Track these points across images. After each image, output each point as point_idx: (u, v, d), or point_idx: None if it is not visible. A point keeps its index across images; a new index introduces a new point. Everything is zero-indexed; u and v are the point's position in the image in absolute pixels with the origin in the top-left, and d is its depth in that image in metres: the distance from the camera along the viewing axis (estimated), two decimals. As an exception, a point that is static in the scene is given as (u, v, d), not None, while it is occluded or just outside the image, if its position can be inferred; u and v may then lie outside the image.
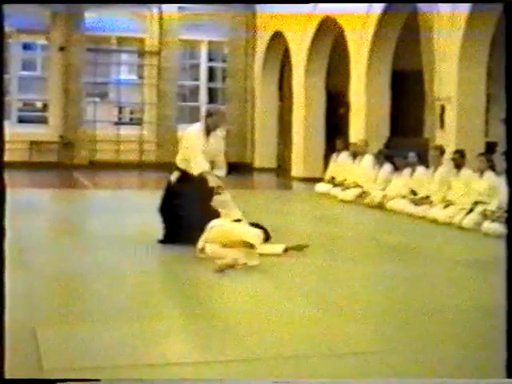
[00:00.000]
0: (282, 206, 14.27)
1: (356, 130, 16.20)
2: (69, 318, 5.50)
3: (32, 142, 20.14)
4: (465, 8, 12.71)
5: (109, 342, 4.86)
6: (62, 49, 20.50)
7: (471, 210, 10.67)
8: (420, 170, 12.43)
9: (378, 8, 15.33)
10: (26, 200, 12.57)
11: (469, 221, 10.56)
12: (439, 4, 13.37)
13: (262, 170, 20.85)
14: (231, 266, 7.08)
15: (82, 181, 17.64)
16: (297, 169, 18.93)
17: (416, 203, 12.00)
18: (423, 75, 14.84)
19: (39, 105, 23.13)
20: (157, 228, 9.45)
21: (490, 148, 13.63)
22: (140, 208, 12.31)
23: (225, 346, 4.95)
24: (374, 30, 15.59)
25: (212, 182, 8.26)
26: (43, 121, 21.22)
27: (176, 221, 8.64)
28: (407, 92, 16.61)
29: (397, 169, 13.28)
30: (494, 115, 15.25)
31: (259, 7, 21.12)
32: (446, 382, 4.31)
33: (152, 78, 21.46)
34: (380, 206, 12.92)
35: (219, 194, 8.07)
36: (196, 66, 22.53)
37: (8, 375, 3.66)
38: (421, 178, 12.29)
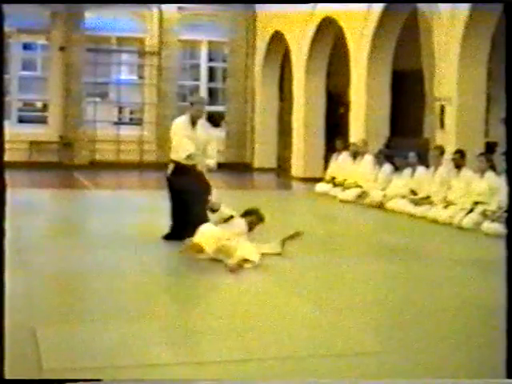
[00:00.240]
0: (282, 206, 14.26)
1: (356, 130, 16.19)
2: (69, 318, 5.50)
3: (32, 142, 20.12)
4: (465, 8, 12.71)
5: (109, 342, 4.86)
6: (62, 49, 20.49)
7: (471, 210, 10.68)
8: (420, 170, 12.43)
9: (378, 8, 15.33)
10: (26, 200, 12.56)
11: (469, 221, 10.56)
12: (439, 4, 13.37)
13: (262, 169, 20.84)
14: (241, 266, 7.21)
15: (81, 181, 17.63)
16: (297, 169, 18.93)
17: (416, 203, 12.00)
18: (423, 75, 14.85)
19: (39, 105, 23.12)
20: (157, 227, 9.47)
21: (490, 148, 13.63)
22: (140, 208, 12.32)
23: (225, 346, 4.95)
24: (374, 30, 15.59)
25: (199, 168, 8.74)
26: (43, 121, 21.20)
27: (178, 212, 8.80)
28: (407, 92, 16.61)
29: (397, 169, 13.28)
30: (493, 115, 15.24)
31: (259, 7, 21.11)
32: (446, 382, 4.31)
33: (152, 78, 21.45)
34: (380, 206, 12.93)
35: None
36: (196, 66, 22.51)
37: (8, 375, 3.66)
38: (421, 178, 12.29)
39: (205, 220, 8.08)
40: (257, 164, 21.40)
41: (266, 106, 21.43)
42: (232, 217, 8.02)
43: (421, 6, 14.02)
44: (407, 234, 10.60)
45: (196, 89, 21.98)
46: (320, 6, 16.95)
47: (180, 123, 8.97)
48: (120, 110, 23.49)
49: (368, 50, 15.82)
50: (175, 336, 5.21)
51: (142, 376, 4.27)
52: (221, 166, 22.06)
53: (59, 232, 10.28)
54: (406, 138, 15.46)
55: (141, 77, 22.42)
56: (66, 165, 19.99)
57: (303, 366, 4.53)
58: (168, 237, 8.83)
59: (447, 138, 13.20)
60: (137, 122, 22.58)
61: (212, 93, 22.87)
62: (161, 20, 21.02)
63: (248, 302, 6.19)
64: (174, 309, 5.96)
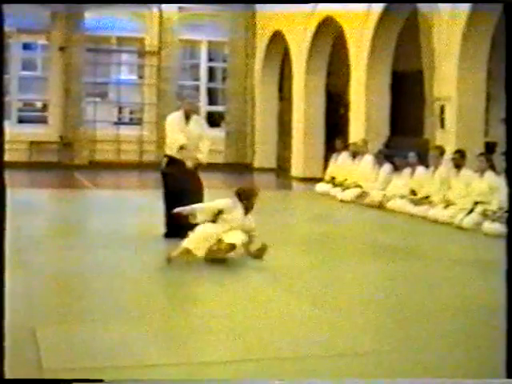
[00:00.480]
0: (281, 206, 14.27)
1: (356, 130, 16.19)
2: (69, 318, 5.50)
3: (32, 142, 20.12)
4: (465, 8, 12.71)
5: (109, 342, 4.85)
6: (62, 49, 20.49)
7: (471, 210, 10.67)
8: (420, 170, 12.43)
9: (378, 8, 15.33)
10: (26, 200, 12.56)
11: (469, 221, 10.56)
12: (439, 4, 13.37)
13: (262, 170, 20.84)
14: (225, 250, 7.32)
15: (81, 181, 17.63)
16: (297, 169, 18.93)
17: (416, 203, 12.00)
18: (423, 75, 14.85)
19: (39, 105, 23.11)
20: (157, 227, 9.47)
21: (490, 148, 13.63)
22: (140, 208, 12.32)
23: (225, 346, 4.95)
24: (374, 29, 15.59)
25: (189, 163, 8.98)
26: (43, 121, 21.20)
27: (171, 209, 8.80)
28: (407, 92, 16.60)
29: (397, 169, 13.28)
30: (493, 115, 15.24)
31: (259, 7, 21.10)
32: (446, 382, 4.31)
33: (152, 77, 21.45)
34: (380, 206, 12.93)
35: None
36: (196, 66, 22.51)
37: (8, 375, 3.66)
38: (421, 178, 12.29)
39: (187, 199, 8.34)
40: (257, 164, 21.40)
41: (266, 106, 21.43)
42: (220, 212, 7.68)
43: (421, 6, 14.02)
44: (407, 234, 10.61)
45: (196, 89, 21.98)
46: (320, 5, 16.94)
47: (173, 118, 9.24)
48: (120, 110, 23.50)
49: (368, 50, 15.82)
50: (174, 336, 5.20)
51: (142, 376, 4.27)
52: (221, 166, 22.13)
53: (59, 232, 10.28)
54: (406, 138, 15.45)
55: (141, 77, 22.42)
56: (65, 165, 19.98)
57: (303, 366, 4.53)
58: (167, 235, 8.89)
59: (447, 138, 13.20)
60: (137, 122, 22.58)
61: (212, 93, 22.87)
62: (161, 20, 21.02)
63: (248, 302, 6.19)
64: (173, 309, 5.96)
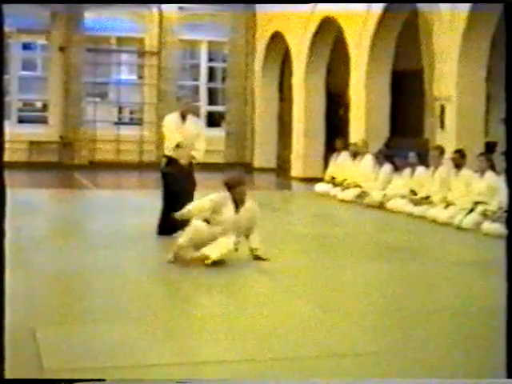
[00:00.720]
0: (281, 206, 14.27)
1: (356, 130, 16.19)
2: (69, 318, 5.50)
3: (32, 142, 20.13)
4: (465, 8, 12.71)
5: (109, 342, 4.85)
6: (61, 49, 20.50)
7: (471, 210, 10.67)
8: (420, 170, 12.43)
9: (378, 8, 15.33)
10: (26, 200, 12.56)
11: (469, 221, 10.55)
12: (439, 4, 13.37)
13: (262, 170, 20.84)
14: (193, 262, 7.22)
15: (81, 181, 17.63)
16: (297, 169, 18.93)
17: (416, 203, 12.00)
18: (423, 75, 14.85)
19: (39, 105, 23.11)
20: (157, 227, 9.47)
21: (490, 148, 13.63)
22: (140, 208, 12.31)
23: (225, 346, 4.95)
24: (374, 29, 15.59)
25: (183, 161, 9.18)
26: (43, 121, 21.20)
27: (169, 206, 9.05)
28: (407, 92, 16.60)
29: (397, 169, 13.28)
30: (493, 115, 15.24)
31: (259, 7, 21.11)
32: (446, 382, 4.31)
33: (152, 78, 21.46)
34: (380, 206, 12.93)
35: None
36: (196, 66, 22.51)
37: (8, 375, 3.66)
38: (421, 178, 12.28)
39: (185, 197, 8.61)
40: (257, 164, 21.40)
41: (266, 106, 21.43)
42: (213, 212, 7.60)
43: (421, 5, 14.02)
44: (407, 234, 10.60)
45: (196, 89, 21.99)
46: (320, 6, 16.95)
47: (170, 118, 9.46)
48: (120, 110, 23.49)
49: (368, 49, 15.82)
50: (175, 336, 5.20)
51: (143, 376, 4.27)
52: (221, 166, 22.17)
53: (59, 232, 10.28)
54: (406, 138, 15.45)
55: (141, 77, 22.42)
56: (66, 165, 19.99)
57: (303, 366, 4.53)
58: (161, 232, 9.13)
59: (447, 138, 13.20)
60: (137, 122, 22.58)
61: (212, 93, 22.86)
62: (161, 20, 21.02)
63: (247, 302, 6.19)
64: (174, 309, 5.96)
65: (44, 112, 21.72)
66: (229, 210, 7.54)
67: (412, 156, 12.70)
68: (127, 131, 21.45)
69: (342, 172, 14.81)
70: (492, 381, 4.18)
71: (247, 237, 7.66)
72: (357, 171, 14.27)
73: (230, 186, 7.61)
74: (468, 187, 10.97)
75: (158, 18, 21.00)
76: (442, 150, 12.21)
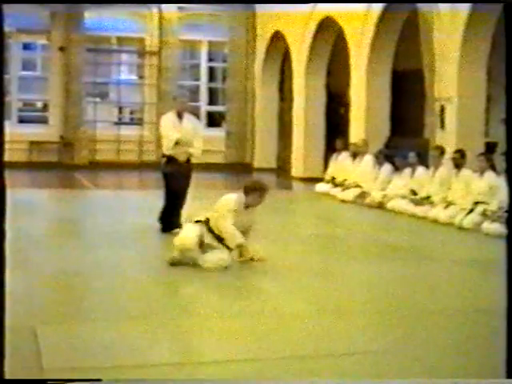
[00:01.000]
0: (282, 206, 14.26)
1: (356, 130, 16.19)
2: (69, 318, 5.50)
3: (32, 142, 20.13)
4: (465, 8, 12.70)
5: (109, 342, 4.85)
6: (61, 49, 20.49)
7: (471, 210, 10.67)
8: (420, 170, 12.43)
9: (378, 8, 15.33)
10: (26, 200, 12.56)
11: (469, 221, 10.55)
12: (439, 4, 13.37)
13: (262, 170, 20.83)
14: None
15: (81, 181, 17.63)
16: (297, 169, 18.93)
17: (416, 203, 12.00)
18: (423, 75, 14.84)
19: (39, 105, 23.12)
20: (157, 227, 9.48)
21: (490, 148, 13.63)
22: (140, 207, 12.31)
23: (225, 346, 4.95)
24: (374, 29, 15.59)
25: (181, 158, 9.30)
26: (43, 121, 21.20)
27: (173, 200, 9.35)
28: (407, 92, 16.60)
29: (397, 169, 13.27)
30: (493, 115, 15.24)
31: (259, 7, 21.10)
32: (446, 382, 4.31)
33: (152, 77, 21.45)
34: (380, 206, 12.93)
35: None
36: (196, 66, 22.51)
37: (8, 375, 3.66)
38: (421, 178, 12.28)
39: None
40: (257, 164, 21.40)
41: (266, 106, 21.43)
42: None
43: (421, 5, 14.01)
44: (407, 234, 10.60)
45: (196, 89, 21.99)
46: (320, 6, 16.95)
47: (167, 117, 9.57)
48: (120, 110, 23.50)
49: (368, 49, 15.82)
50: (175, 336, 5.20)
51: (142, 376, 4.27)
52: (221, 166, 22.09)
53: (59, 232, 10.29)
54: (406, 138, 15.45)
55: (141, 77, 22.41)
56: (66, 165, 19.98)
57: (303, 366, 4.53)
58: (164, 229, 9.30)
59: (447, 138, 13.20)
60: (137, 122, 22.58)
61: (212, 93, 22.86)
62: (161, 20, 21.02)
63: (248, 302, 6.19)
64: (174, 308, 5.96)
65: (44, 112, 21.72)
66: (240, 213, 7.47)
67: (412, 156, 12.70)
68: (127, 131, 21.45)
69: (342, 172, 14.80)
70: (492, 381, 4.18)
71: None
72: (357, 171, 14.27)
73: (250, 191, 7.50)
74: (468, 187, 10.97)
75: (158, 17, 20.99)
76: (442, 150, 12.22)
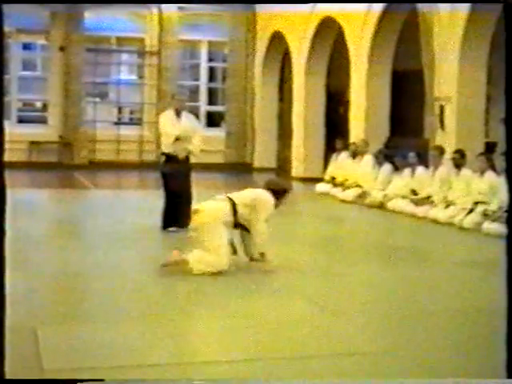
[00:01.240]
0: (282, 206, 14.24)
1: (356, 130, 16.19)
2: (69, 318, 5.50)
3: (32, 142, 20.12)
4: (465, 8, 12.70)
5: (109, 342, 4.85)
6: (61, 49, 20.49)
7: (472, 210, 10.67)
8: (420, 170, 12.43)
9: (378, 8, 15.33)
10: (26, 200, 12.56)
11: (469, 221, 10.55)
12: (439, 4, 13.37)
13: (262, 169, 20.82)
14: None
15: (81, 181, 17.63)
16: (297, 169, 18.93)
17: (416, 203, 12.00)
18: (423, 75, 14.84)
19: (39, 105, 23.12)
20: (157, 227, 9.48)
21: (490, 148, 13.63)
22: (140, 207, 12.32)
23: (225, 346, 4.95)
24: (374, 29, 15.59)
25: (181, 154, 9.38)
26: (43, 121, 21.20)
27: (172, 200, 9.43)
28: (407, 92, 16.60)
29: (397, 169, 13.28)
30: (493, 115, 15.24)
31: (259, 7, 21.10)
32: (446, 382, 4.31)
33: (152, 78, 21.45)
34: (380, 206, 12.93)
35: None
36: (196, 66, 22.51)
37: (8, 375, 3.66)
38: (421, 178, 12.28)
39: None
40: (257, 164, 21.40)
41: (266, 106, 21.42)
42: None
43: (421, 5, 14.01)
44: (407, 234, 10.61)
45: (196, 89, 21.99)
46: (320, 6, 16.94)
47: (165, 115, 9.68)
48: (120, 110, 23.50)
49: (368, 49, 15.82)
50: (175, 336, 5.20)
51: (143, 376, 4.27)
52: (221, 166, 22.08)
53: (59, 232, 10.29)
54: (406, 138, 15.45)
55: (141, 77, 22.41)
56: (66, 165, 19.98)
57: (303, 366, 4.53)
58: (165, 226, 9.41)
59: (447, 138, 13.19)
60: (137, 122, 22.58)
61: (212, 93, 22.86)
62: (161, 20, 21.01)
63: (248, 302, 6.19)
64: (174, 308, 5.96)
65: (44, 112, 21.72)
66: None
67: (412, 156, 12.70)
68: (127, 131, 21.45)
69: (342, 172, 14.81)
70: (492, 381, 4.17)
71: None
72: (357, 171, 14.28)
73: (276, 192, 7.27)
74: (468, 187, 10.97)
75: (158, 18, 20.99)
76: (441, 150, 12.22)
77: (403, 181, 12.73)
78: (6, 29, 16.09)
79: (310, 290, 6.69)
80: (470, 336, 5.31)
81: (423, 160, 12.74)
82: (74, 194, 15.47)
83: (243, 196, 7.23)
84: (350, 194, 13.98)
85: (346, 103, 17.84)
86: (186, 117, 9.64)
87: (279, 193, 7.31)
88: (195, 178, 9.83)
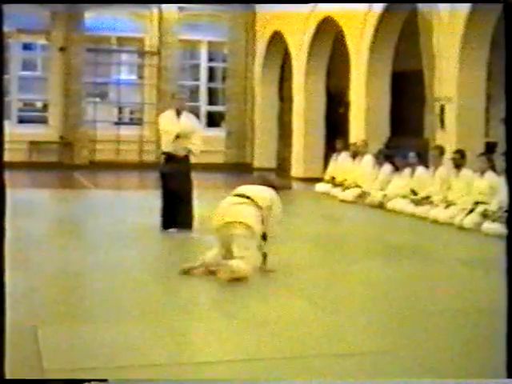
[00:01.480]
0: (283, 206, 14.24)
1: (356, 130, 16.19)
2: (70, 318, 5.50)
3: (32, 142, 20.12)
4: (465, 8, 12.70)
5: (110, 342, 4.85)
6: (62, 49, 20.49)
7: (472, 210, 10.67)
8: (420, 170, 12.43)
9: (378, 8, 15.33)
10: (26, 200, 12.56)
11: (469, 221, 10.55)
12: (439, 4, 13.37)
13: (262, 169, 20.81)
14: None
15: (81, 181, 17.63)
16: (297, 169, 18.93)
17: (416, 203, 12.00)
18: (423, 75, 14.84)
19: (39, 105, 23.10)
20: (157, 227, 9.48)
21: (490, 148, 13.63)
22: (140, 207, 12.32)
23: (225, 346, 4.95)
24: (374, 30, 15.59)
25: (181, 152, 9.41)
26: (43, 121, 21.19)
27: (170, 200, 9.42)
28: (407, 92, 16.60)
29: (397, 169, 13.28)
30: (493, 115, 15.24)
31: (259, 7, 21.10)
32: (446, 382, 4.31)
33: (152, 78, 21.45)
34: (380, 206, 12.93)
35: None
36: (196, 66, 22.50)
37: (9, 375, 3.66)
38: (421, 178, 12.29)
39: (190, 213, 9.17)
40: (257, 164, 21.39)
41: (266, 106, 21.42)
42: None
43: (421, 6, 14.01)
44: (407, 234, 10.60)
45: (196, 89, 21.98)
46: (320, 6, 16.94)
47: (165, 114, 9.75)
48: (120, 110, 23.48)
49: (368, 50, 15.83)
50: (176, 336, 5.20)
51: (143, 376, 4.27)
52: (221, 166, 22.06)
53: (60, 232, 10.29)
54: (406, 138, 15.45)
55: (141, 77, 22.40)
56: (66, 165, 19.98)
57: (303, 366, 4.53)
58: (165, 226, 9.39)
59: (447, 138, 13.20)
60: (137, 122, 22.57)
61: (212, 93, 22.85)
62: (161, 20, 21.01)
63: (248, 302, 6.19)
64: (175, 308, 5.96)
65: (44, 112, 21.70)
66: None
67: (412, 156, 12.70)
68: (127, 131, 21.44)
69: (342, 172, 14.81)
70: (492, 381, 4.18)
71: None
72: (357, 171, 14.28)
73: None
74: (469, 187, 10.97)
75: (158, 18, 20.99)
76: (442, 150, 12.22)
77: (403, 181, 12.73)
78: (6, 29, 16.11)
79: (310, 289, 6.69)
80: (470, 336, 5.31)
81: (423, 160, 12.74)
82: (75, 193, 15.47)
83: (262, 196, 7.01)
84: (350, 194, 13.98)
85: (346, 103, 17.84)
86: (186, 116, 9.66)
87: (276, 190, 7.24)
88: (195, 178, 9.83)
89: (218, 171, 20.13)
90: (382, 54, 15.83)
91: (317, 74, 18.46)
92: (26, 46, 22.51)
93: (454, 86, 13.21)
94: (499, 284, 4.29)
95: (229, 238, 6.76)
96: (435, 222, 11.23)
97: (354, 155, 14.70)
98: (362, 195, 13.65)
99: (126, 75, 23.33)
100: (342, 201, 14.01)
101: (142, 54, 21.97)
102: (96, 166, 20.14)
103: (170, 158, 9.48)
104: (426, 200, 11.84)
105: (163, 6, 20.78)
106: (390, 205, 12.70)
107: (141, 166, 20.35)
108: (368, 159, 14.20)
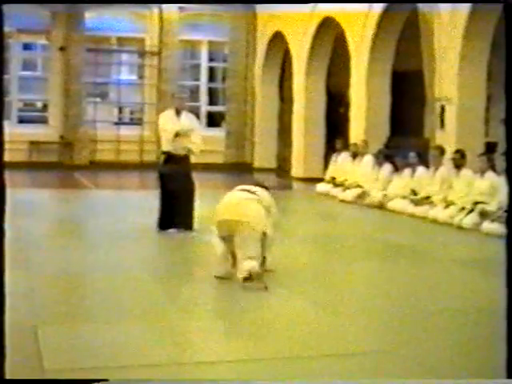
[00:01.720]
0: (282, 206, 14.24)
1: (356, 130, 16.19)
2: (70, 317, 5.50)
3: (32, 142, 20.12)
4: (465, 8, 12.70)
5: (110, 342, 4.86)
6: (62, 49, 20.49)
7: (472, 210, 10.67)
8: (420, 170, 12.43)
9: (378, 8, 15.33)
10: (26, 200, 12.56)
11: (469, 221, 10.55)
12: (439, 4, 13.37)
13: (262, 170, 20.83)
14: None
15: (82, 181, 17.64)
16: (297, 169, 18.93)
17: (416, 203, 12.00)
18: (423, 75, 14.85)
19: (39, 105, 23.10)
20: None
21: (490, 148, 13.63)
22: (140, 207, 12.32)
23: (225, 346, 4.95)
24: (374, 29, 15.59)
25: (181, 151, 9.42)
26: (43, 121, 21.19)
27: (168, 200, 9.43)
28: (407, 92, 16.60)
29: (397, 169, 13.28)
30: (494, 115, 15.24)
31: (259, 7, 21.10)
32: (446, 382, 4.31)
33: (152, 78, 21.45)
34: (380, 206, 12.93)
35: None
36: (196, 66, 22.50)
37: (9, 375, 3.66)
38: (421, 178, 12.28)
39: (190, 213, 9.16)
40: (257, 164, 21.40)
41: (266, 106, 21.42)
42: None
43: (421, 6, 14.01)
44: (407, 234, 10.61)
45: (196, 89, 21.98)
46: (320, 6, 16.94)
47: (165, 114, 9.86)
48: (120, 110, 23.48)
49: (368, 50, 15.82)
50: (176, 335, 5.21)
51: (143, 376, 4.27)
52: (221, 166, 22.07)
53: (60, 232, 10.29)
54: (406, 138, 15.45)
55: (141, 77, 22.41)
56: (66, 165, 19.98)
57: (303, 366, 4.53)
58: (162, 227, 9.35)
59: (447, 138, 13.19)
60: (137, 122, 22.57)
61: (212, 93, 22.85)
62: (161, 20, 21.01)
63: (248, 302, 6.19)
64: (175, 308, 5.96)
65: (44, 112, 21.70)
66: None
67: (412, 156, 12.70)
68: (127, 131, 21.44)
69: (342, 172, 14.81)
70: (492, 381, 4.18)
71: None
72: (357, 171, 14.27)
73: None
74: (469, 187, 10.97)
75: (159, 18, 20.99)
76: (442, 150, 12.22)
77: (403, 181, 12.73)
78: (7, 29, 16.11)
79: (310, 289, 6.69)
80: (470, 336, 5.31)
81: (423, 160, 12.74)
82: (75, 193, 15.47)
83: (264, 196, 7.00)
84: (350, 194, 13.98)
85: (346, 103, 17.84)
86: (186, 116, 9.68)
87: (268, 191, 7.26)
88: (195, 179, 9.82)
89: (218, 171, 20.13)
90: (382, 54, 15.83)
91: (317, 73, 18.46)
92: (26, 46, 22.51)
93: (454, 86, 13.20)
94: (499, 284, 4.30)
95: (233, 234, 6.67)
96: (435, 221, 11.23)
97: (354, 155, 14.69)
98: (362, 195, 13.64)
99: (126, 75, 23.33)
100: (342, 201, 14.01)
101: (142, 54, 21.97)
102: (96, 166, 20.13)
103: (169, 157, 9.48)
104: (426, 200, 11.84)
105: (163, 5, 20.78)
106: (390, 205, 12.70)
107: (141, 166, 20.34)
108: (368, 159, 14.20)
